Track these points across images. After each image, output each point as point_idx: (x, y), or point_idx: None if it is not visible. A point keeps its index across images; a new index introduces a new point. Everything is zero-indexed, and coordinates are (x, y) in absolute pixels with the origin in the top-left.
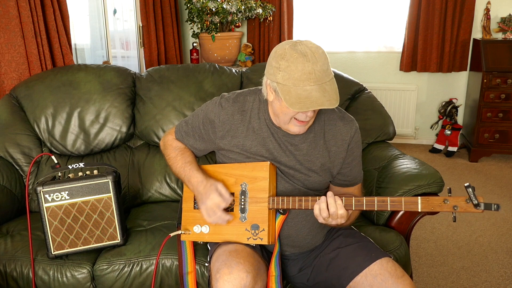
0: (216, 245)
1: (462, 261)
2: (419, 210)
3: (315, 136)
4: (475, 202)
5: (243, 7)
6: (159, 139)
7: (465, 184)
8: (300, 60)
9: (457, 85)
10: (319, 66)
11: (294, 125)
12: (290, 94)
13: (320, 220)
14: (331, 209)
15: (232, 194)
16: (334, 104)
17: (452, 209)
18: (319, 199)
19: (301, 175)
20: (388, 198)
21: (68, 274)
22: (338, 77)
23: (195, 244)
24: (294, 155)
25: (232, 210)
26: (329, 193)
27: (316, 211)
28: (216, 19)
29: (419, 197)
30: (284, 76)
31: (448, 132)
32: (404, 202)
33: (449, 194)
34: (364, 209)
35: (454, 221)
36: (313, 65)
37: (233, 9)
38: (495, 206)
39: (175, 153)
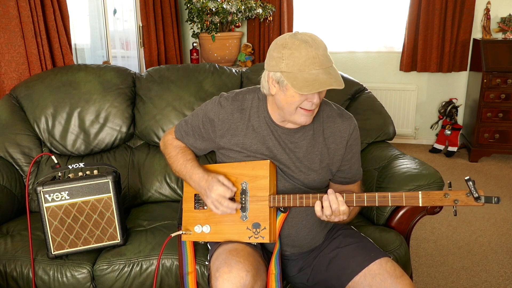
0: (217, 244)
1: (462, 261)
2: (420, 205)
3: (314, 133)
4: (476, 195)
5: (243, 7)
6: (159, 139)
7: (465, 178)
8: (302, 46)
9: (457, 85)
10: (321, 51)
11: (300, 114)
12: (297, 79)
13: (323, 218)
14: (333, 206)
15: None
16: (341, 85)
17: (453, 203)
18: (320, 196)
19: (300, 173)
20: (389, 194)
21: (68, 274)
22: None
23: (195, 244)
24: (294, 153)
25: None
26: (330, 190)
27: (318, 211)
28: (216, 19)
29: (419, 192)
30: (289, 64)
31: (448, 132)
32: (405, 197)
33: (450, 188)
34: (365, 205)
35: (455, 215)
36: (316, 50)
37: (233, 9)
38: (495, 199)
39: (176, 151)
